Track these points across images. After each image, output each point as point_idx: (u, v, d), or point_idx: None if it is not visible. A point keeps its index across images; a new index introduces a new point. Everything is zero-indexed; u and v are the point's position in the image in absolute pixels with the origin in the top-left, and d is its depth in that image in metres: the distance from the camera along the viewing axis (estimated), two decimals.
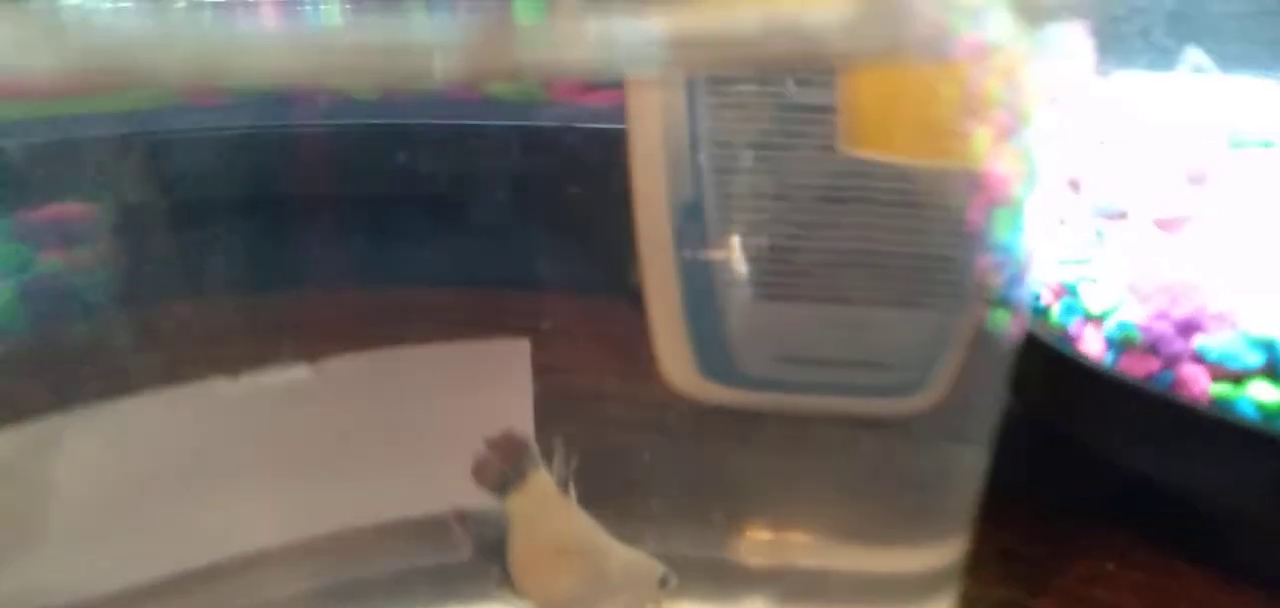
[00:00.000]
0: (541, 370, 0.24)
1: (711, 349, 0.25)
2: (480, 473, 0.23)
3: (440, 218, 0.23)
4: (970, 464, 0.25)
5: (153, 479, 0.24)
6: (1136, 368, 0.29)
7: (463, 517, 0.23)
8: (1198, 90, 0.36)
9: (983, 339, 0.24)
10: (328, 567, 0.25)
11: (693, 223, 0.24)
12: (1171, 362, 0.29)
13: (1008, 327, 0.24)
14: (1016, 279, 0.23)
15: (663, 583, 0.23)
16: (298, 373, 0.23)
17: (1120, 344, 0.30)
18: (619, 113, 0.24)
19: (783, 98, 0.24)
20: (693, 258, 0.24)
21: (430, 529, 0.24)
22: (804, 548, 0.26)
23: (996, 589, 0.32)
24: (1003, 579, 0.32)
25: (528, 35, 0.20)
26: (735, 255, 0.25)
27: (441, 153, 0.23)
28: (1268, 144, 0.34)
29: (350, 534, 0.25)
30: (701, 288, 0.25)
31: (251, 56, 0.19)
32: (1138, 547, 0.33)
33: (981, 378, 0.24)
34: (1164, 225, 0.32)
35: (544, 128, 0.24)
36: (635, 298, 0.25)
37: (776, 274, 0.25)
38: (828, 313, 0.25)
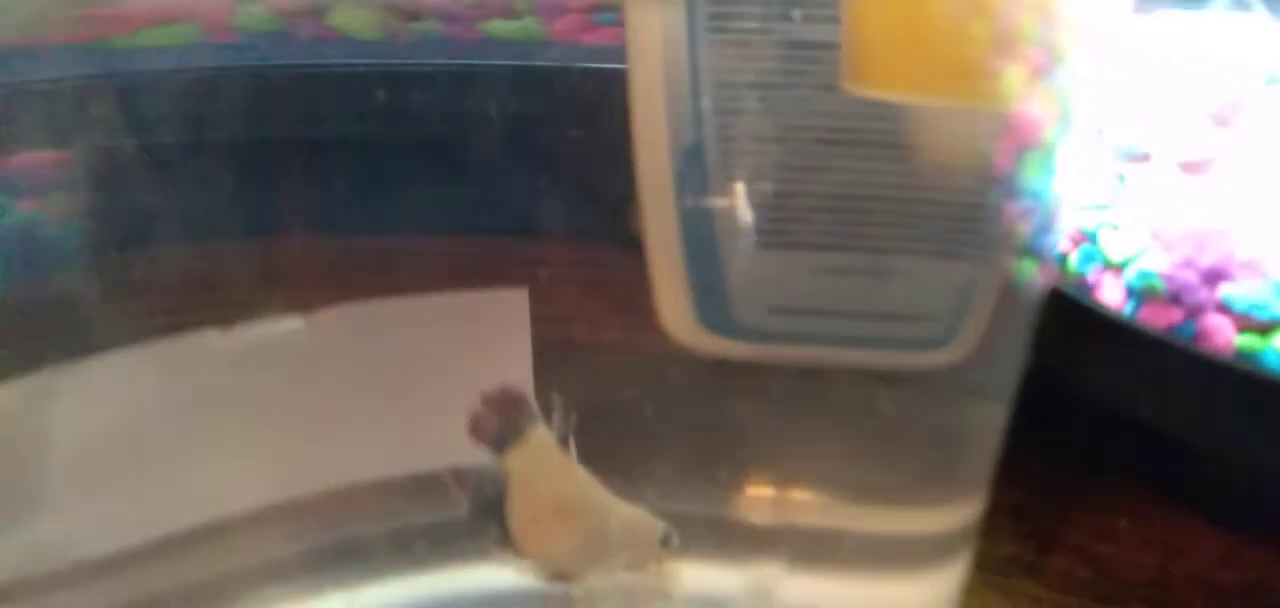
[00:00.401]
0: (541, 320, 0.23)
1: (712, 299, 0.24)
2: (477, 430, 0.23)
3: (436, 162, 0.23)
4: (990, 422, 0.24)
5: (145, 436, 0.23)
6: (1158, 319, 0.28)
7: (459, 475, 0.23)
8: (1231, 26, 0.35)
9: (1009, 291, 0.23)
10: (323, 525, 0.24)
11: (694, 167, 0.23)
12: (1195, 312, 0.28)
13: (1035, 278, 0.23)
14: (1046, 228, 0.22)
15: (664, 542, 0.23)
16: (291, 324, 0.23)
17: (1141, 293, 0.29)
18: (619, 53, 0.23)
19: (788, 34, 0.23)
20: (694, 204, 0.23)
21: (427, 487, 0.23)
22: (813, 507, 0.25)
23: (1006, 546, 0.31)
24: (1013, 536, 0.31)
25: None
26: (738, 201, 0.24)
27: (438, 95, 0.22)
28: None
29: (346, 492, 0.24)
30: (703, 236, 0.24)
31: None
32: (1151, 503, 0.32)
33: (1006, 331, 0.23)
34: (1189, 168, 0.31)
35: (543, 68, 0.23)
36: (636, 246, 0.24)
37: (780, 221, 0.24)
38: (836, 261, 0.24)
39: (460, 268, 0.24)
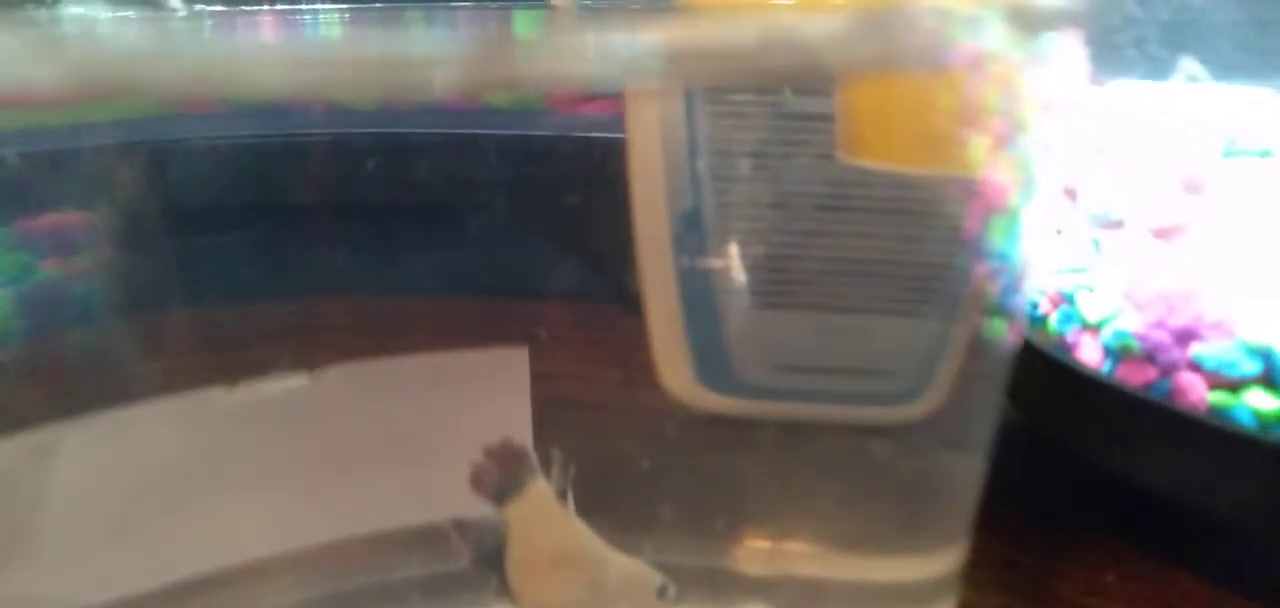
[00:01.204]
0: (541, 378, 0.24)
1: (710, 358, 0.25)
2: (478, 482, 0.23)
3: (439, 226, 0.24)
4: (968, 472, 0.25)
5: (150, 489, 0.24)
6: (1134, 376, 0.29)
7: (461, 526, 0.24)
8: (1193, 99, 0.37)
9: (980, 347, 0.24)
10: (325, 577, 0.25)
11: (691, 231, 0.24)
12: (1169, 370, 0.29)
13: (1005, 335, 0.24)
14: (1013, 287, 0.24)
15: (661, 593, 0.24)
16: (296, 382, 0.23)
17: (1118, 352, 0.30)
18: (617, 122, 0.24)
19: (781, 106, 0.24)
20: (691, 266, 0.25)
21: (428, 539, 0.24)
22: (803, 557, 0.26)
23: (994, 599, 0.32)
24: (1001, 589, 0.32)
25: (526, 49, 0.21)
26: (734, 264, 0.25)
27: (440, 161, 0.23)
28: (1264, 153, 0.34)
29: (348, 544, 0.25)
30: (701, 296, 0.25)
31: (251, 68, 0.19)
32: (1137, 556, 0.33)
33: (979, 385, 0.25)
34: (1161, 234, 0.32)
35: (542, 136, 0.24)
36: (634, 306, 0.25)
37: (775, 282, 0.25)
38: (826, 321, 0.25)
39: (464, 327, 0.25)
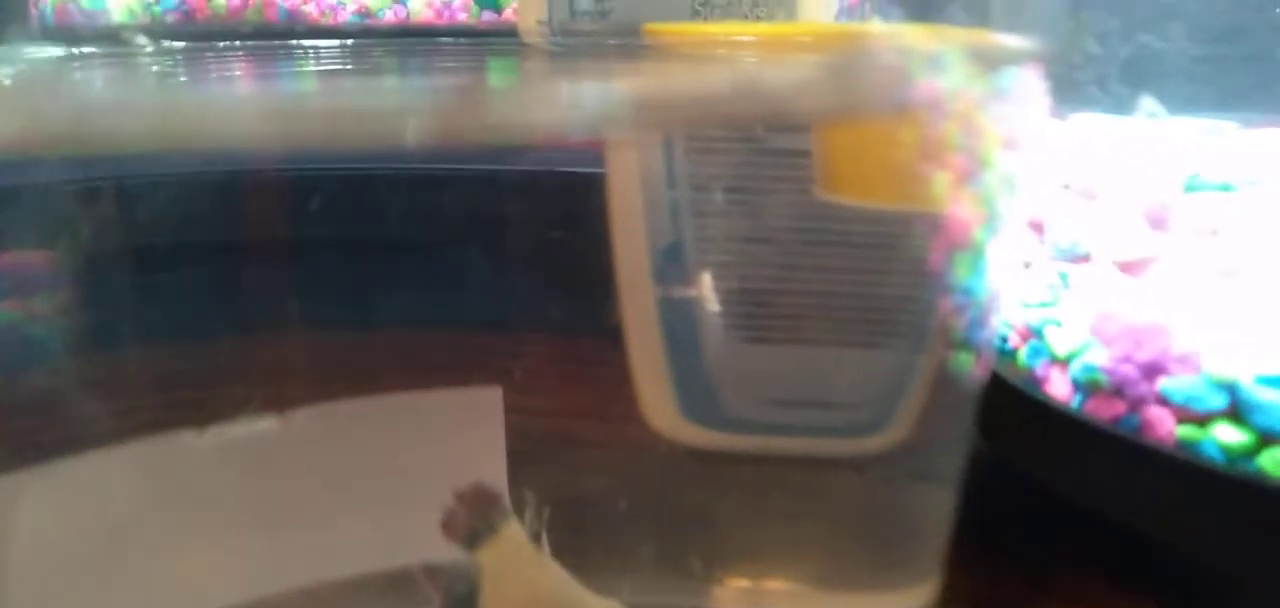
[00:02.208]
0: (521, 414, 0.24)
1: (694, 391, 0.26)
2: (449, 526, 0.23)
3: (417, 261, 0.24)
4: (938, 506, 0.26)
5: (116, 537, 0.24)
6: (1103, 410, 0.30)
7: (432, 572, 0.23)
8: (1156, 134, 0.37)
9: (947, 381, 0.24)
10: None
11: (672, 265, 0.25)
12: (1137, 404, 0.29)
13: (972, 368, 0.24)
14: (979, 322, 0.24)
15: None
16: (265, 424, 0.23)
17: (1086, 387, 0.30)
18: (598, 157, 0.25)
19: (758, 143, 0.25)
20: (673, 300, 0.25)
21: (400, 585, 0.24)
22: (779, 596, 0.27)
23: None
24: None
25: (499, 99, 0.21)
26: (715, 298, 0.25)
27: (416, 195, 0.23)
28: (1226, 187, 0.35)
29: (318, 590, 0.25)
30: (682, 330, 0.25)
31: (219, 122, 0.19)
32: (1109, 591, 0.33)
33: (947, 419, 0.25)
34: (1126, 268, 0.32)
35: (522, 170, 0.24)
36: (616, 341, 0.25)
37: (756, 316, 0.25)
38: (806, 354, 0.26)
39: (442, 362, 0.25)
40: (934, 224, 0.24)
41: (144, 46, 0.25)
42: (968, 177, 0.23)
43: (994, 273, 0.24)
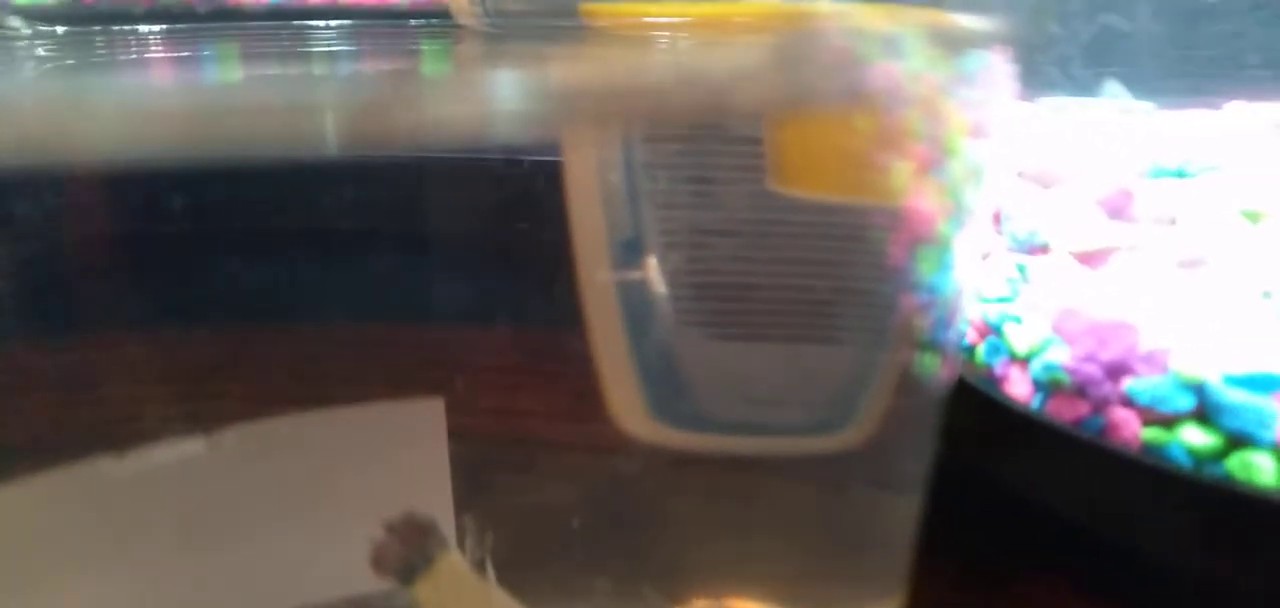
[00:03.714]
0: (471, 416, 0.23)
1: (661, 389, 0.25)
2: (380, 561, 0.22)
3: (355, 252, 0.23)
4: (903, 516, 0.25)
5: (27, 572, 0.22)
6: (1065, 412, 0.29)
7: None
8: (1114, 119, 0.37)
9: (910, 383, 0.23)
10: None
11: (631, 257, 0.24)
12: (1101, 405, 0.29)
13: (937, 370, 0.23)
14: (945, 321, 0.23)
15: None
16: (191, 447, 0.22)
17: (1048, 387, 0.30)
18: (554, 143, 0.24)
19: (717, 130, 0.23)
20: (634, 295, 0.24)
21: None
22: None
23: None
24: None
25: (431, 90, 0.20)
26: (676, 291, 0.24)
27: (367, 183, 0.22)
28: (1182, 173, 0.34)
29: None
30: (646, 326, 0.24)
31: (103, 123, 0.17)
32: (1073, 595, 0.33)
33: (911, 423, 0.24)
34: (1086, 259, 0.32)
35: (492, 159, 0.23)
36: (575, 335, 0.24)
37: (720, 311, 0.25)
38: (764, 351, 0.25)
39: (389, 360, 0.24)
40: (894, 217, 0.23)
41: (19, 30, 0.23)
42: (931, 167, 0.22)
43: (960, 269, 0.23)
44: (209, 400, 0.23)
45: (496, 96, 0.19)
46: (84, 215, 0.22)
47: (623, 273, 0.24)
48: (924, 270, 0.23)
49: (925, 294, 0.23)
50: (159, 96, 0.20)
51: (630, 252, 0.24)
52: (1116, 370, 0.29)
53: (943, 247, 0.23)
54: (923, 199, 0.23)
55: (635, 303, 0.24)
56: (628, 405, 0.25)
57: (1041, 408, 0.30)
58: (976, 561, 0.34)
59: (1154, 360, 0.28)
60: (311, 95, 0.20)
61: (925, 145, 0.22)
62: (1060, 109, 0.37)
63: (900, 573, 0.25)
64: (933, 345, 0.23)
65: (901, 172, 0.22)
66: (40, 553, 0.22)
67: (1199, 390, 0.27)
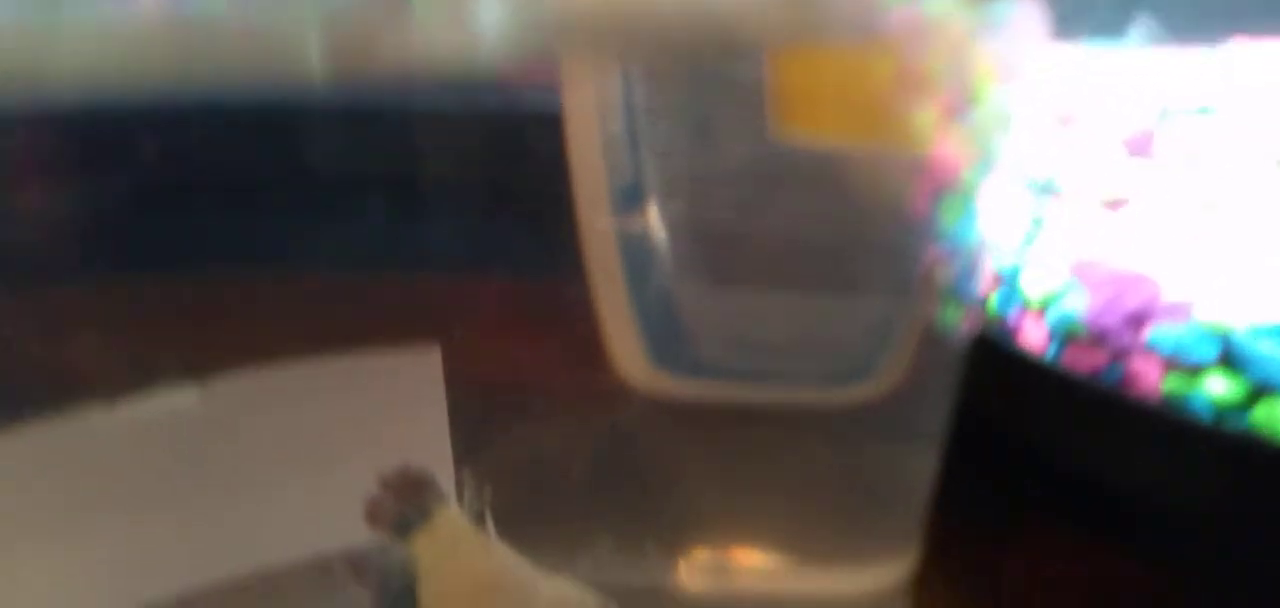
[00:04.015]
0: (471, 363, 0.23)
1: (663, 337, 0.24)
2: (374, 516, 0.22)
3: (353, 199, 0.22)
4: (920, 470, 0.24)
5: (18, 528, 0.22)
6: (1082, 362, 0.28)
7: (360, 566, 0.22)
8: (1137, 59, 0.36)
9: (932, 334, 0.23)
10: None
11: (632, 204, 0.23)
12: (1120, 355, 0.28)
13: (959, 322, 0.23)
14: (968, 273, 0.22)
15: None
16: (184, 397, 0.21)
17: (1064, 336, 0.29)
18: (554, 86, 0.23)
19: (719, 73, 0.22)
20: (635, 241, 0.24)
21: (332, 575, 0.22)
22: (751, 572, 0.26)
23: (935, 600, 0.31)
24: (941, 588, 0.31)
25: (421, 12, 0.19)
26: (675, 238, 0.24)
27: (384, 132, 0.22)
28: (1204, 111, 0.33)
29: (241, 584, 0.23)
30: (647, 273, 0.24)
31: (83, 47, 0.17)
32: (1083, 546, 0.32)
33: (931, 375, 0.23)
34: (1106, 204, 0.31)
35: (487, 106, 0.23)
36: (577, 285, 0.24)
37: (720, 258, 0.24)
38: (777, 299, 0.24)
39: (386, 309, 0.23)
40: (915, 165, 0.22)
41: None
42: (956, 112, 0.21)
43: (985, 219, 0.22)
44: (199, 350, 0.22)
45: (488, 19, 0.19)
46: (63, 158, 0.21)
47: (623, 220, 0.23)
48: (947, 220, 0.22)
49: (948, 245, 0.22)
50: (140, 20, 0.19)
51: (630, 198, 0.23)
52: (1137, 319, 0.28)
53: (967, 195, 0.22)
54: (947, 146, 0.22)
55: (635, 250, 0.24)
56: (628, 354, 0.24)
57: (1056, 358, 0.29)
58: (982, 513, 0.33)
59: (1177, 309, 0.28)
60: (297, 17, 0.19)
61: (951, 90, 0.21)
62: (1086, 51, 0.36)
63: (914, 529, 0.25)
64: (955, 298, 0.23)
65: (924, 117, 0.21)
66: (28, 506, 0.21)
67: (1224, 340, 0.27)
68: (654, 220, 0.24)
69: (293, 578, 0.23)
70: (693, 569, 0.25)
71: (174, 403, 0.21)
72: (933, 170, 0.22)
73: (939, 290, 0.23)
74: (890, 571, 0.25)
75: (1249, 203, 0.30)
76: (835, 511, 0.25)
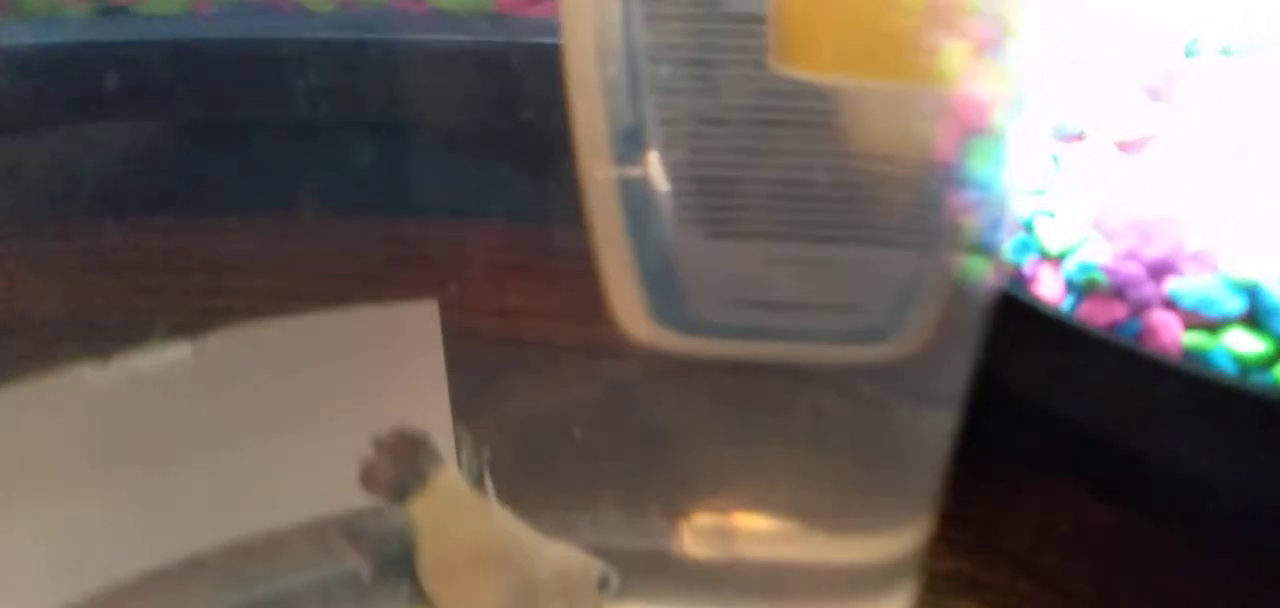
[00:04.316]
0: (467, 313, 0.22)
1: (663, 291, 0.23)
2: (369, 480, 0.21)
3: (345, 142, 0.21)
4: (938, 431, 0.23)
5: (8, 489, 0.21)
6: (1100, 315, 0.28)
7: (356, 533, 0.21)
8: None
9: (956, 287, 0.22)
10: (209, 591, 0.23)
11: (633, 150, 0.22)
12: (1140, 308, 0.27)
13: (984, 275, 0.21)
14: (996, 222, 0.21)
15: (602, 584, 0.21)
16: (176, 352, 0.21)
17: (1082, 288, 0.28)
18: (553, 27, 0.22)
19: (718, 6, 0.21)
20: (634, 189, 0.23)
21: (328, 538, 0.22)
22: (759, 537, 0.25)
23: (945, 561, 0.30)
24: (951, 548, 0.30)
25: None
26: (676, 185, 0.23)
27: (383, 71, 0.21)
28: (1227, 52, 0.32)
29: (235, 548, 0.22)
30: (648, 222, 0.23)
31: None
32: (1093, 504, 0.32)
33: (953, 332, 0.22)
34: (1126, 147, 0.30)
35: (487, 44, 0.22)
36: (579, 233, 0.23)
37: (722, 207, 0.23)
38: (780, 251, 0.23)
39: (384, 256, 0.23)
40: (941, 104, 0.21)
41: None
42: (989, 48, 0.20)
43: (1014, 164, 0.21)
44: (186, 298, 0.22)
45: None
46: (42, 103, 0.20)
47: (623, 166, 0.22)
48: (975, 165, 0.21)
49: (976, 191, 0.21)
50: None
51: (631, 142, 0.22)
52: (1160, 270, 0.27)
53: (997, 139, 0.21)
54: (977, 85, 0.20)
55: (636, 198, 0.23)
56: (629, 308, 0.23)
57: (1073, 310, 0.28)
58: (992, 467, 0.33)
59: (1202, 259, 0.27)
60: None
61: (983, 22, 0.20)
62: None
63: (929, 496, 0.24)
64: (982, 248, 0.21)
65: (954, 53, 0.20)
66: (19, 464, 0.21)
67: (1251, 293, 0.26)
68: (655, 168, 0.23)
69: (287, 543, 0.22)
70: (697, 534, 0.24)
71: (165, 359, 0.21)
72: (961, 111, 0.21)
73: (965, 241, 0.21)
74: (902, 539, 0.24)
75: (1273, 146, 0.29)
76: (846, 476, 0.24)
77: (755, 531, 0.25)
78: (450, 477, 0.21)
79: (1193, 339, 0.27)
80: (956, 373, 0.23)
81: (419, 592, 0.21)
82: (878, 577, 0.24)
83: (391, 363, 0.22)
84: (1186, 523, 0.30)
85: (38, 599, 0.21)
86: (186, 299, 0.22)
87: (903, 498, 0.24)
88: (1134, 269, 0.27)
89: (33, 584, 0.21)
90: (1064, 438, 0.32)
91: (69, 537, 0.21)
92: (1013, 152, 0.21)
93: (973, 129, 0.21)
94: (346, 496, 0.21)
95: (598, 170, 0.22)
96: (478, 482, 0.21)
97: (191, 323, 0.21)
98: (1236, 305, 0.26)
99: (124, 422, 0.21)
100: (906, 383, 0.23)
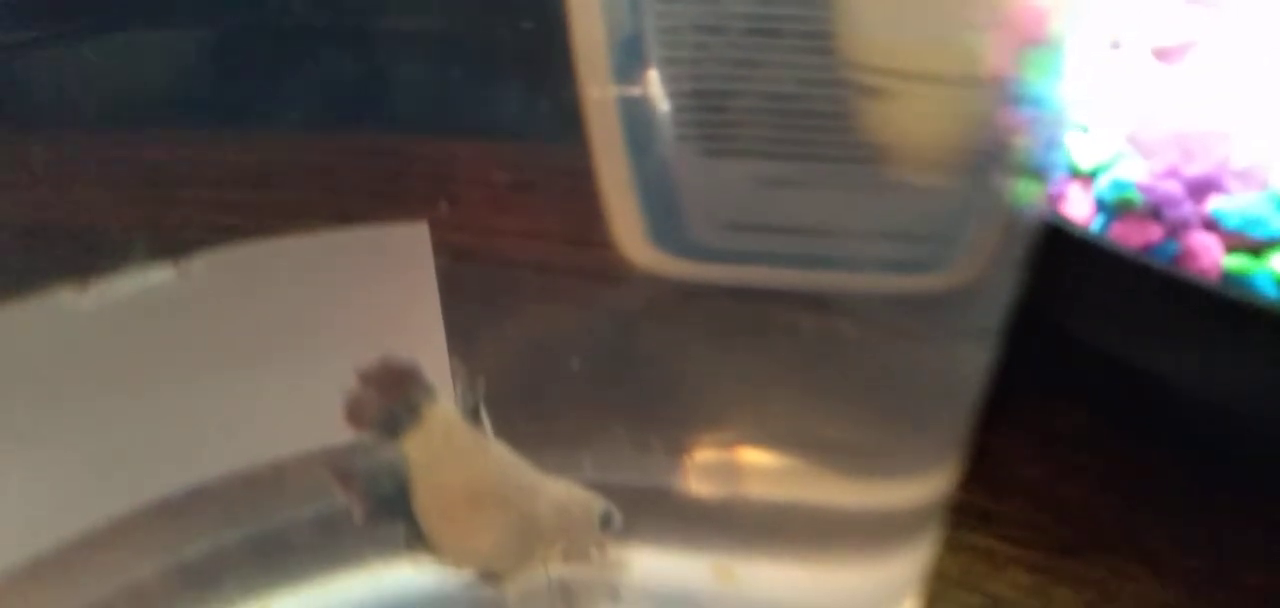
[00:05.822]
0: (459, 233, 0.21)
1: (663, 213, 0.23)
2: (355, 414, 0.20)
3: (326, 52, 0.20)
4: (971, 370, 0.22)
5: None
6: (1133, 236, 0.27)
7: (346, 473, 0.21)
8: None
9: (1003, 213, 0.21)
10: (197, 531, 0.22)
11: (633, 61, 0.21)
12: (1178, 229, 0.26)
13: (1033, 200, 0.21)
14: (1052, 141, 0.20)
15: (605, 522, 0.21)
16: (159, 276, 0.20)
17: (1114, 207, 0.27)
18: None
19: None
20: (635, 104, 0.22)
21: (318, 474, 0.21)
22: (768, 475, 0.24)
23: (957, 493, 0.30)
24: (964, 481, 0.30)
25: None
26: (684, 99, 0.21)
27: None
28: None
29: (222, 485, 0.22)
30: (649, 141, 0.22)
31: None
32: (1114, 436, 0.31)
33: (997, 261, 0.21)
34: (1162, 54, 0.29)
35: None
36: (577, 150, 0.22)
37: (731, 124, 0.22)
38: (798, 171, 0.22)
39: (371, 174, 0.22)
40: (996, 12, 0.19)
41: None
42: None
43: (1071, 79, 0.20)
44: (165, 207, 0.21)
45: None
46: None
47: (623, 81, 0.21)
48: (1030, 80, 0.20)
49: (1029, 108, 0.20)
50: None
51: (631, 52, 0.21)
52: (1201, 188, 0.26)
53: (1055, 49, 0.20)
54: None
55: (636, 114, 0.22)
56: (630, 231, 0.23)
57: (1104, 231, 0.28)
58: (1008, 393, 0.32)
59: (1249, 176, 0.26)
60: None
61: None
62: None
63: (956, 439, 0.23)
64: (1032, 171, 0.20)
65: None
66: None
67: None
68: (655, 86, 0.22)
69: (276, 479, 0.22)
70: (701, 470, 0.24)
71: (147, 282, 0.20)
72: (1017, 20, 0.20)
73: (1015, 162, 0.20)
74: (924, 486, 0.23)
75: None
76: (864, 415, 0.23)
77: (763, 468, 0.24)
78: (444, 410, 0.21)
79: (1234, 262, 0.26)
80: (996, 305, 0.22)
81: (416, 532, 0.20)
82: (897, 526, 0.24)
83: (382, 289, 0.21)
84: (1215, 458, 0.30)
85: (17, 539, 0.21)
86: (159, 212, 0.21)
87: (927, 441, 0.23)
88: (1172, 187, 0.27)
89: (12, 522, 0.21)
90: (1087, 366, 0.31)
91: (39, 474, 0.21)
92: (1070, 63, 0.20)
93: (1030, 39, 0.19)
94: (337, 430, 0.20)
95: (596, 88, 0.22)
96: (473, 415, 0.21)
97: (164, 239, 0.20)
98: None
99: (103, 349, 0.21)
100: (943, 315, 0.22)
